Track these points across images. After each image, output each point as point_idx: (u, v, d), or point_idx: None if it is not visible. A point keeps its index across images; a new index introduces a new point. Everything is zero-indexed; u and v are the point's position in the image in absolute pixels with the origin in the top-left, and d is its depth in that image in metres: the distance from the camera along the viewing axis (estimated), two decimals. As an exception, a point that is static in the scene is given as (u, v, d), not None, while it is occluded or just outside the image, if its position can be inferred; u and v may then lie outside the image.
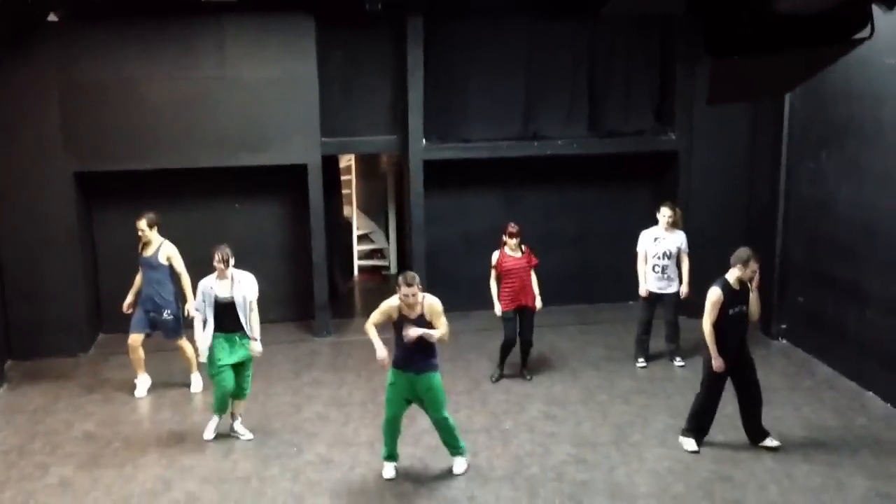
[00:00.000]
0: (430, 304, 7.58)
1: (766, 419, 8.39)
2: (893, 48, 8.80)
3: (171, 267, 9.79)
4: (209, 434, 8.69)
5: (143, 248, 9.82)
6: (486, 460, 8.13)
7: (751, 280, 7.97)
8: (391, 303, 7.60)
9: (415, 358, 7.59)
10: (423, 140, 11.74)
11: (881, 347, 9.28)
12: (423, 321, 7.53)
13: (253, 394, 9.08)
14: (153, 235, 9.78)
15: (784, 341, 11.14)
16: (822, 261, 10.41)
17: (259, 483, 7.85)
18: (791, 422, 8.79)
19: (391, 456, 7.92)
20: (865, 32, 4.74)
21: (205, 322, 8.46)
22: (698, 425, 8.32)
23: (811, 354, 10.62)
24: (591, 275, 12.76)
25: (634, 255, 10.43)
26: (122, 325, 11.46)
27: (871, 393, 9.44)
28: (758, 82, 5.61)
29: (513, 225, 9.81)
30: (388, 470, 7.89)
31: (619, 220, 12.65)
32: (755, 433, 8.28)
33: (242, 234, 11.92)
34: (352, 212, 15.37)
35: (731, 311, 7.94)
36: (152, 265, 9.75)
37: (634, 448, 8.37)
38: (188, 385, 9.98)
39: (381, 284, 14.86)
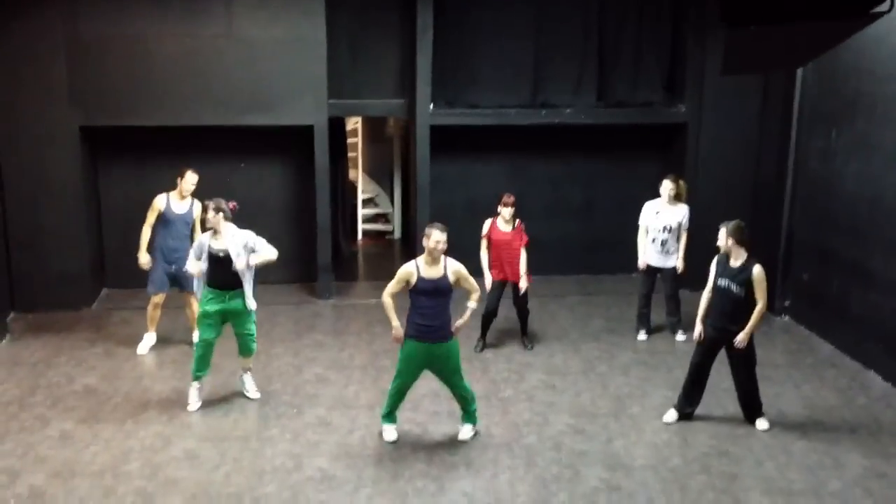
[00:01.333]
0: (456, 267, 7.50)
1: (767, 395, 8.40)
2: (908, 26, 8.73)
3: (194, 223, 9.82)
4: (192, 406, 8.54)
5: (174, 202, 9.72)
6: (485, 427, 8.15)
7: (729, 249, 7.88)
8: (407, 268, 7.48)
9: (435, 325, 7.49)
10: (431, 105, 11.68)
11: (884, 327, 9.27)
12: (443, 283, 7.43)
13: (255, 354, 9.08)
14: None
15: (787, 318, 11.13)
16: (827, 238, 10.37)
17: (258, 443, 7.88)
18: (791, 398, 8.80)
19: (392, 418, 7.95)
20: (885, 6, 4.68)
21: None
22: (683, 397, 8.33)
23: (813, 332, 10.62)
24: (595, 245, 12.74)
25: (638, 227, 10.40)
26: (126, 280, 11.58)
27: (872, 372, 9.44)
28: (773, 54, 5.56)
29: (508, 195, 9.74)
30: (391, 432, 7.91)
31: (625, 191, 12.60)
32: (748, 414, 8.28)
33: (247, 194, 11.85)
34: (357, 175, 15.33)
35: (718, 283, 7.92)
36: (187, 221, 9.75)
37: (633, 420, 8.39)
38: (190, 343, 9.99)
39: (385, 248, 14.89)
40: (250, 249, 8.38)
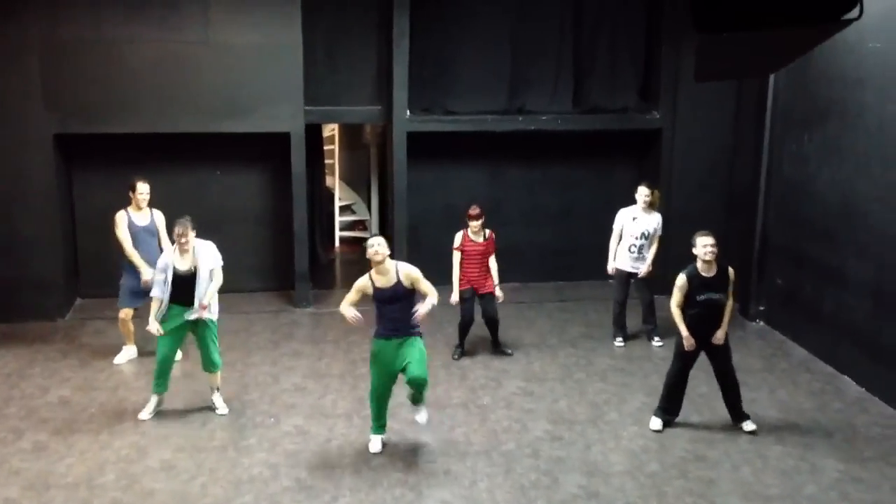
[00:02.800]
0: (406, 271, 7.56)
1: (743, 400, 8.44)
2: (877, 32, 8.81)
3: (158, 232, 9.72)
4: (145, 414, 8.47)
5: (133, 215, 9.61)
6: (464, 435, 8.15)
7: (711, 257, 7.90)
8: (362, 280, 7.61)
9: (400, 326, 7.57)
10: (408, 112, 11.68)
11: (857, 331, 9.34)
12: (400, 288, 7.51)
13: (230, 363, 9.08)
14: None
15: (761, 323, 11.20)
16: (801, 243, 10.45)
17: (235, 453, 7.83)
18: (766, 403, 8.85)
19: (381, 427, 7.90)
20: (854, 13, 4.72)
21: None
22: (667, 405, 8.37)
23: (788, 336, 10.69)
24: (572, 251, 12.76)
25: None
26: (100, 290, 11.50)
27: (846, 377, 9.50)
28: (745, 60, 5.60)
29: (474, 207, 9.75)
30: (376, 443, 7.85)
31: (602, 196, 12.65)
32: (735, 415, 8.32)
33: (223, 202, 11.88)
34: (334, 182, 15.30)
35: (698, 298, 7.95)
36: (151, 231, 9.66)
37: (610, 426, 8.41)
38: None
39: (363, 256, 14.77)
40: (213, 263, 8.41)
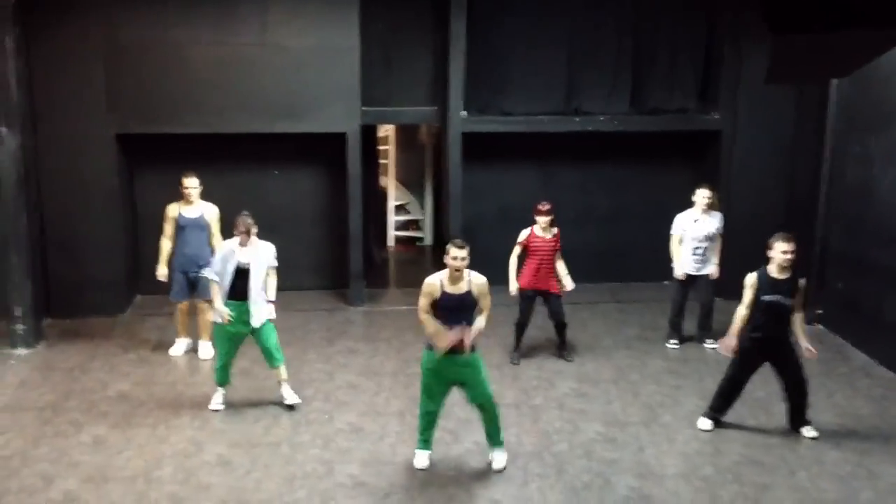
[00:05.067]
0: (480, 282, 7.28)
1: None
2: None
3: (209, 227, 9.85)
4: (214, 405, 8.67)
5: (183, 209, 9.77)
6: (515, 436, 8.13)
7: (787, 263, 7.81)
8: (431, 281, 7.24)
9: (455, 321, 7.26)
10: (463, 112, 11.68)
11: (919, 337, 9.18)
12: (468, 298, 7.26)
13: (286, 360, 9.12)
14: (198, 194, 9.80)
15: (820, 326, 11.02)
16: (862, 247, 10.27)
17: (289, 449, 7.92)
18: (824, 408, 8.70)
19: (427, 443, 7.70)
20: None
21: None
22: (717, 405, 8.28)
23: (847, 341, 10.51)
24: (626, 253, 12.68)
25: (670, 237, 10.33)
26: (160, 287, 11.64)
27: (907, 382, 9.35)
28: (820, 62, 5.49)
29: (544, 203, 9.68)
30: (422, 459, 7.65)
31: (658, 198, 12.55)
32: (795, 420, 8.21)
33: (280, 201, 12.00)
34: (389, 182, 15.37)
35: (764, 298, 7.84)
36: (200, 225, 9.78)
37: (664, 428, 8.34)
38: (195, 349, 10.14)
39: (416, 256, 14.92)
40: (269, 261, 8.55)
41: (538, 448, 7.94)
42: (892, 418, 8.55)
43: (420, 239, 15.51)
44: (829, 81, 10.63)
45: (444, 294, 7.22)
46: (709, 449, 7.94)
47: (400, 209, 15.62)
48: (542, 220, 9.63)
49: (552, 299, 9.83)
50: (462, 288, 7.24)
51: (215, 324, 8.53)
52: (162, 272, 9.87)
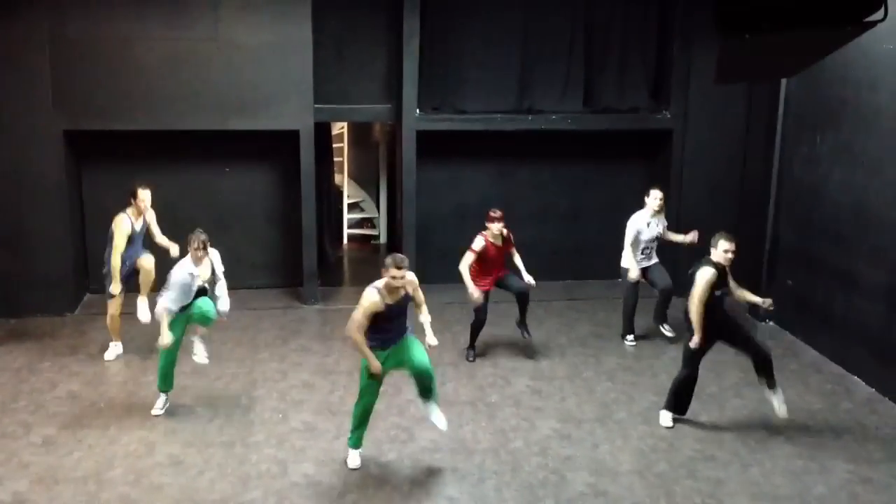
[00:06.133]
0: (411, 279, 7.30)
1: (752, 400, 8.46)
2: (892, 34, 8.75)
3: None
4: (157, 410, 8.50)
5: (135, 221, 9.59)
6: (471, 433, 8.13)
7: (728, 262, 7.92)
8: (371, 299, 7.08)
9: (394, 335, 7.37)
10: (417, 110, 11.66)
11: (868, 332, 9.31)
12: (406, 300, 7.30)
13: (239, 359, 9.08)
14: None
15: (771, 323, 11.16)
16: (812, 245, 10.42)
17: (243, 448, 7.84)
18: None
19: (359, 443, 7.65)
20: (879, 15, 4.68)
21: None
22: (677, 401, 8.35)
23: (798, 337, 10.65)
24: (581, 251, 12.74)
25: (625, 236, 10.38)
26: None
27: (856, 377, 9.48)
28: (767, 62, 5.56)
29: (495, 210, 9.63)
30: (355, 458, 7.60)
31: (611, 196, 12.65)
32: (768, 379, 8.22)
33: (232, 199, 11.90)
34: (343, 180, 15.30)
35: (717, 293, 7.92)
36: (142, 233, 9.70)
37: (619, 425, 8.39)
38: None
39: (371, 253, 14.85)
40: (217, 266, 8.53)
41: (494, 445, 7.95)
42: (843, 413, 8.68)
43: (375, 237, 15.45)
44: (779, 81, 10.76)
45: (386, 306, 7.16)
46: (663, 445, 8.00)
47: (354, 207, 15.55)
48: (495, 227, 9.57)
49: (509, 276, 9.82)
50: (401, 294, 7.24)
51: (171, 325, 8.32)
52: (118, 290, 9.57)
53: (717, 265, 7.91)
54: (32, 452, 7.70)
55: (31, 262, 10.95)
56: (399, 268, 7.02)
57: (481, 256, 9.61)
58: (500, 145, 12.33)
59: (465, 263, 9.56)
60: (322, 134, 12.58)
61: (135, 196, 9.52)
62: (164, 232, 9.77)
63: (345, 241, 15.22)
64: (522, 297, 9.94)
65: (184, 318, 8.32)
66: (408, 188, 11.84)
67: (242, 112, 11.12)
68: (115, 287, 9.52)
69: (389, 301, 7.16)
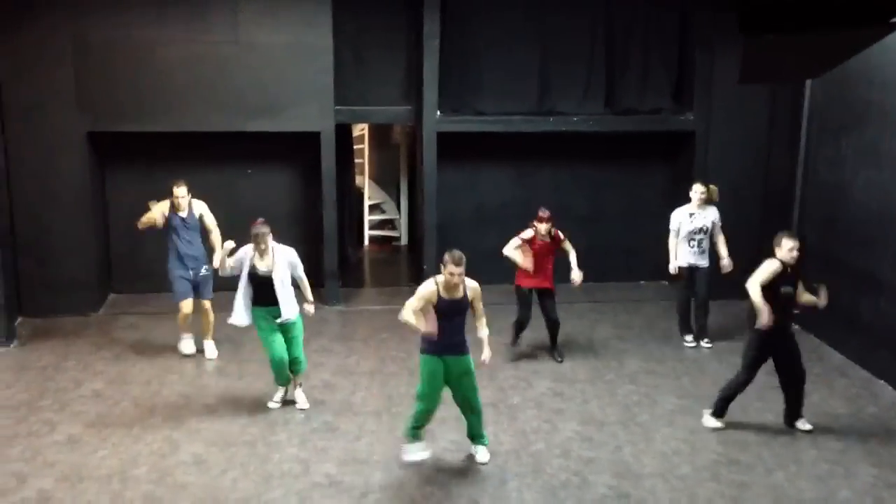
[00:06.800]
0: (474, 287, 7.39)
1: (777, 404, 8.38)
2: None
3: (201, 224, 9.78)
4: (273, 404, 8.66)
5: (175, 210, 9.63)
6: (493, 434, 8.11)
7: (793, 261, 7.88)
8: (429, 287, 7.25)
9: (453, 340, 7.34)
10: (437, 112, 11.66)
11: (894, 336, 9.23)
12: (465, 303, 7.34)
13: (261, 359, 9.06)
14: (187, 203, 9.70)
15: (796, 327, 11.04)
16: (837, 247, 10.34)
17: (265, 448, 7.85)
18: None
19: (419, 436, 7.62)
20: (904, 16, 4.65)
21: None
22: (726, 404, 8.30)
23: (823, 341, 10.58)
24: (601, 253, 12.65)
25: (666, 234, 10.37)
26: (132, 286, 11.63)
27: (882, 381, 9.40)
28: (791, 63, 5.52)
29: (544, 210, 9.63)
30: (421, 448, 7.60)
31: (632, 198, 12.62)
32: (791, 413, 8.26)
33: (253, 200, 11.91)
34: (364, 181, 15.33)
35: (782, 290, 7.87)
36: (192, 226, 9.70)
37: (641, 428, 8.35)
38: (202, 350, 9.97)
39: (391, 255, 14.88)
40: (293, 266, 8.54)
41: (516, 447, 7.93)
42: (868, 417, 8.60)
43: (395, 238, 15.47)
44: (803, 82, 10.70)
45: (440, 300, 7.24)
46: (686, 448, 7.96)
47: (375, 208, 15.58)
48: (542, 228, 9.61)
49: (546, 298, 9.83)
50: (458, 293, 7.30)
51: (259, 328, 8.43)
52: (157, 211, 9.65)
53: (782, 263, 7.87)
54: (57, 450, 7.75)
55: (56, 262, 11.03)
56: (457, 264, 7.11)
57: (530, 249, 9.64)
58: (519, 147, 12.32)
59: (511, 247, 9.67)
60: (343, 135, 12.62)
61: (172, 194, 9.59)
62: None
63: (366, 242, 15.25)
64: (552, 326, 9.97)
65: (270, 319, 8.41)
66: (429, 190, 11.84)
67: (263, 114, 11.16)
68: (156, 215, 9.60)
69: (445, 296, 7.24)
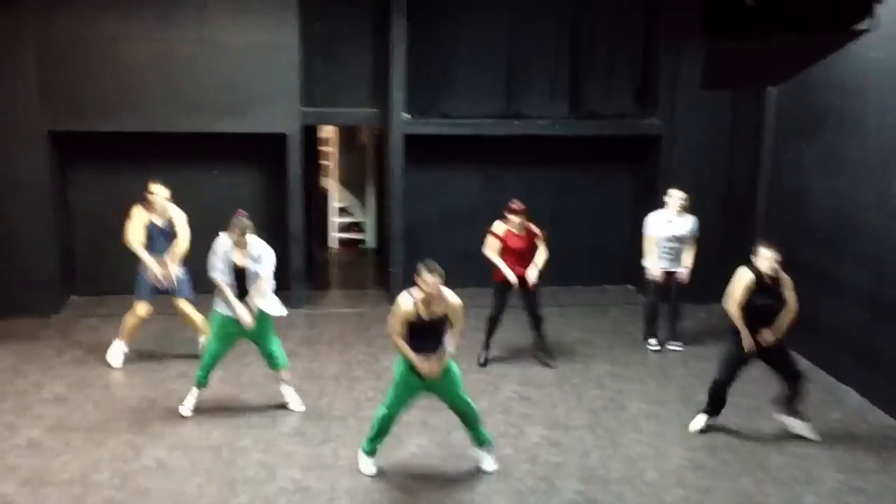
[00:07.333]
0: (455, 305, 7.10)
1: (743, 409, 8.43)
2: (878, 42, 8.77)
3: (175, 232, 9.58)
4: (186, 411, 8.48)
5: (150, 210, 9.43)
6: (460, 439, 8.06)
7: (772, 272, 7.85)
8: (405, 307, 6.98)
9: (431, 348, 7.15)
10: (405, 114, 11.63)
11: (856, 341, 9.33)
12: (444, 324, 7.11)
13: (225, 363, 8.97)
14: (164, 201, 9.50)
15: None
16: (798, 251, 10.40)
17: (230, 453, 7.77)
18: (766, 413, 8.77)
19: (375, 451, 7.55)
20: (865, 24, 4.69)
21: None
22: (714, 406, 8.33)
23: (787, 346, 10.64)
24: (568, 256, 12.63)
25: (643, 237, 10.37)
26: (95, 287, 11.48)
27: (846, 386, 9.49)
28: (754, 68, 5.55)
29: (517, 202, 9.59)
30: (369, 465, 7.53)
31: (598, 202, 12.67)
32: (790, 407, 8.29)
33: (219, 202, 11.76)
34: (331, 184, 15.25)
35: (758, 303, 7.89)
36: (167, 232, 9.51)
37: (608, 433, 8.37)
38: (196, 354, 9.70)
39: (359, 257, 14.82)
40: (258, 259, 8.35)
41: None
42: (832, 422, 8.67)
43: (362, 241, 15.40)
44: (765, 87, 10.79)
45: (418, 319, 7.02)
46: (652, 453, 7.98)
47: (342, 211, 15.51)
48: (515, 220, 9.55)
49: (528, 293, 9.78)
50: (438, 311, 7.07)
51: (214, 319, 8.30)
52: (155, 268, 9.38)
53: (757, 272, 7.86)
54: (18, 455, 7.62)
55: (16, 262, 10.85)
56: (431, 271, 6.86)
57: (505, 245, 9.59)
58: (487, 150, 12.31)
59: (489, 249, 9.62)
60: (310, 137, 12.54)
61: (149, 192, 9.38)
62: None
63: (333, 245, 15.18)
64: (535, 319, 9.96)
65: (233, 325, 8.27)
66: (396, 192, 11.80)
67: (230, 114, 11.07)
68: (155, 267, 9.36)
69: (424, 314, 7.02)
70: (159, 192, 9.42)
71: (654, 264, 10.25)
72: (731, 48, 4.92)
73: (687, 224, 10.21)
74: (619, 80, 12.27)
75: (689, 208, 10.26)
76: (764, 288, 7.89)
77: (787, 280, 8.00)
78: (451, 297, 7.12)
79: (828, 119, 9.89)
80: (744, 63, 5.38)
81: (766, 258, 7.83)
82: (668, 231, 10.17)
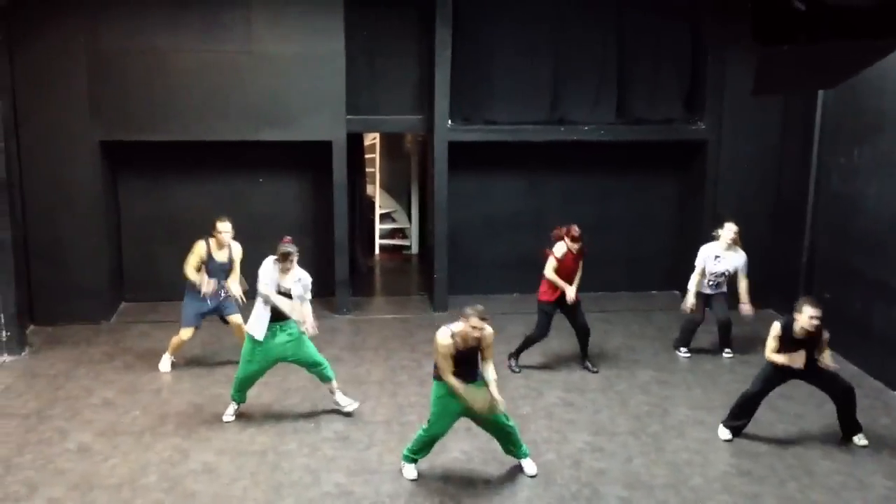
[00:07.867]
0: (487, 334, 7.16)
1: (789, 415, 8.34)
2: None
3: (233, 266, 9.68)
4: (228, 418, 8.61)
5: (214, 251, 9.50)
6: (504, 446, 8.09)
7: (812, 328, 7.72)
8: (445, 342, 7.09)
9: (465, 371, 7.24)
10: (449, 121, 11.66)
11: (907, 346, 9.20)
12: (477, 351, 7.24)
13: (272, 369, 9.06)
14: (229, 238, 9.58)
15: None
16: (850, 257, 10.30)
17: (276, 457, 7.85)
18: (813, 419, 8.69)
19: (416, 460, 7.62)
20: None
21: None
22: (737, 417, 8.25)
23: (836, 351, 10.39)
24: (611, 263, 12.62)
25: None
26: (144, 294, 11.66)
27: (895, 392, 9.35)
28: (805, 73, 5.48)
29: (576, 229, 9.55)
30: (411, 470, 7.58)
31: (643, 208, 12.61)
32: (846, 427, 8.21)
33: (265, 209, 11.96)
34: (375, 190, 15.34)
35: (792, 349, 7.84)
36: (225, 269, 9.58)
37: (653, 438, 8.32)
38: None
39: (402, 263, 14.88)
40: (304, 288, 8.47)
41: (527, 457, 7.91)
42: (881, 428, 8.54)
43: (406, 247, 15.47)
44: (815, 92, 10.67)
45: (458, 352, 7.15)
46: (698, 459, 7.92)
47: (386, 217, 15.60)
48: (574, 246, 9.57)
49: (575, 308, 9.78)
50: (470, 342, 7.16)
51: (253, 340, 8.36)
52: (207, 286, 9.47)
53: (793, 327, 7.78)
54: (68, 459, 7.76)
55: (68, 270, 11.07)
56: (483, 318, 7.01)
57: (562, 268, 9.61)
58: (530, 156, 12.32)
59: (551, 269, 9.60)
60: (354, 144, 12.64)
61: (214, 229, 9.46)
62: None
63: (377, 251, 15.26)
64: (582, 333, 9.95)
65: (272, 336, 8.38)
66: (440, 199, 11.84)
67: (275, 123, 11.19)
68: (205, 286, 9.45)
69: (461, 347, 7.14)
70: (225, 230, 9.48)
71: (691, 297, 10.11)
72: (782, 52, 4.87)
73: (734, 261, 10.02)
74: (666, 86, 12.21)
75: (740, 241, 10.09)
76: (796, 342, 7.82)
77: (825, 340, 7.93)
78: (488, 329, 7.21)
79: (881, 124, 9.74)
80: (795, 68, 5.32)
81: (808, 315, 7.69)
82: (714, 268, 10.04)
